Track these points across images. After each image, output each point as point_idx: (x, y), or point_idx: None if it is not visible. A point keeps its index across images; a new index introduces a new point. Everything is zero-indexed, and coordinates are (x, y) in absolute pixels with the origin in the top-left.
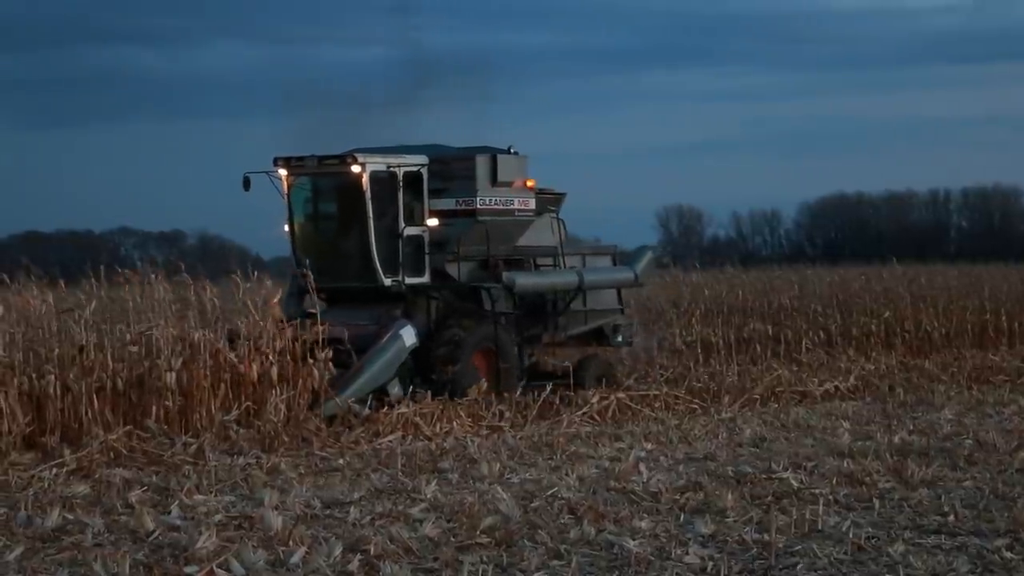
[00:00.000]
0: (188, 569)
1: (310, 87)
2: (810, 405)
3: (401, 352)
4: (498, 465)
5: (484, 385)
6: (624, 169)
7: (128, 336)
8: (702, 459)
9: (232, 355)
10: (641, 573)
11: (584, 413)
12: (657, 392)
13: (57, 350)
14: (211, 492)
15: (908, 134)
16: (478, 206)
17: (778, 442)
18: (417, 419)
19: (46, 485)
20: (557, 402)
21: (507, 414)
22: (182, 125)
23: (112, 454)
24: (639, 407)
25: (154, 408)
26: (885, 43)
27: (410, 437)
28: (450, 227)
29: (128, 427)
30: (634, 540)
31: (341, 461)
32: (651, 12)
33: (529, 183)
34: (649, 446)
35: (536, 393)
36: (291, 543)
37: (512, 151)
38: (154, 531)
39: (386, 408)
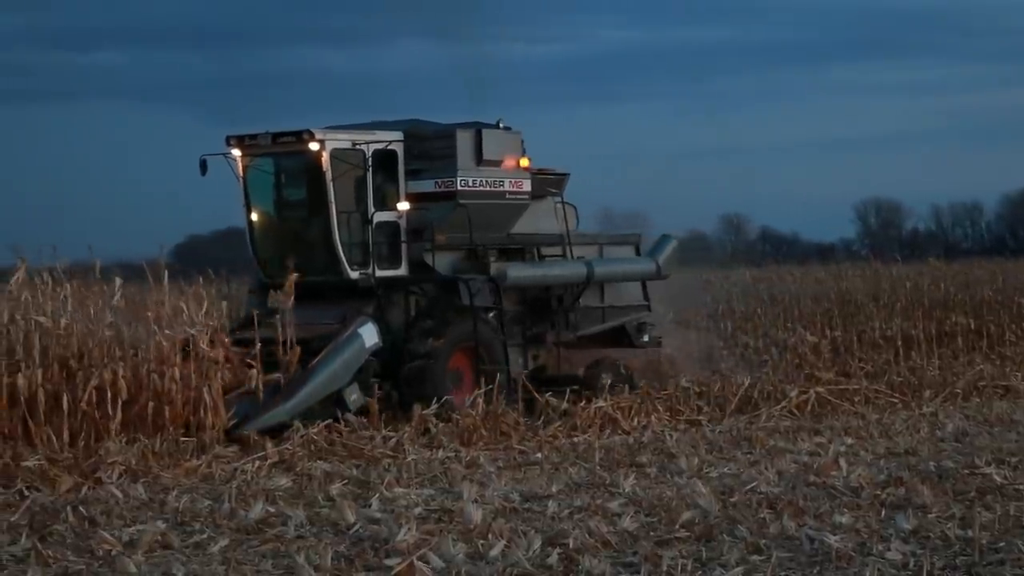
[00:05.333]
0: (388, 562)
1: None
2: (1013, 400)
3: (360, 354)
4: (696, 459)
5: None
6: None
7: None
8: (903, 454)
9: None
10: (842, 569)
11: (783, 407)
12: (857, 386)
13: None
14: (410, 485)
15: None
16: (459, 187)
17: (981, 437)
18: (615, 413)
19: (249, 478)
20: (756, 396)
21: (705, 408)
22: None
23: (313, 447)
24: (838, 401)
25: None
26: None
27: (608, 431)
28: (430, 212)
29: (328, 420)
30: (835, 535)
31: (539, 455)
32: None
33: (523, 162)
34: (849, 440)
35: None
36: (490, 536)
37: (501, 125)
38: (355, 523)
39: (583, 403)
